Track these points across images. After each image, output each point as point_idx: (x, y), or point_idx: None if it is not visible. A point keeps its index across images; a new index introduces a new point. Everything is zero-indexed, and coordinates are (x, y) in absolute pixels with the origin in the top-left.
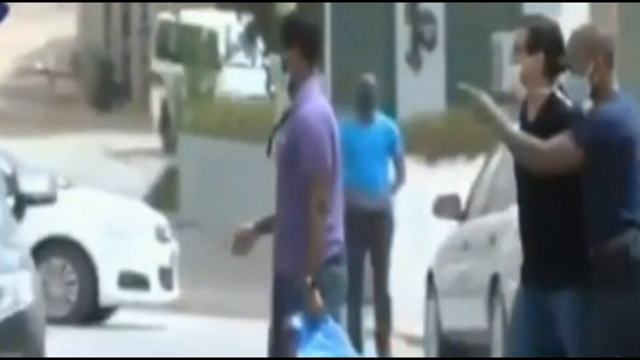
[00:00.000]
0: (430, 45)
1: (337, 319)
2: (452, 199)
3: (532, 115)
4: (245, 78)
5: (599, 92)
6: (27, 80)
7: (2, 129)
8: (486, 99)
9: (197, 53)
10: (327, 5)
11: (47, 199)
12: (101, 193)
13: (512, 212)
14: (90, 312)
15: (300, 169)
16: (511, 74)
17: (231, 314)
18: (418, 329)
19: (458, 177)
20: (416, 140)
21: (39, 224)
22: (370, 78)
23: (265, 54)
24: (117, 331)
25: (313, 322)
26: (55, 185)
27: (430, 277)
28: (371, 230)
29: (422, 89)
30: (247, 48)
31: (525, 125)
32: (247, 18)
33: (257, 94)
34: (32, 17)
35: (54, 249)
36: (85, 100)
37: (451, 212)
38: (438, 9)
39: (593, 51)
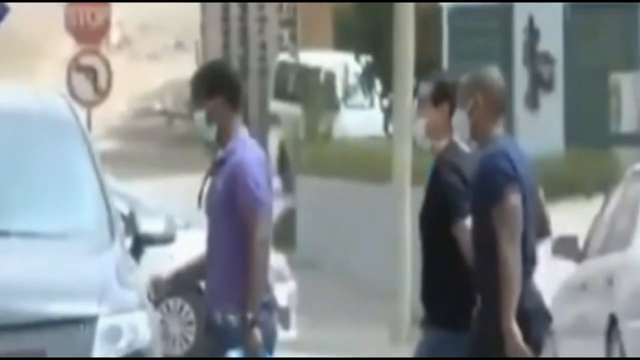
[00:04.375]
0: (549, 85)
1: None
2: (571, 240)
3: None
4: (363, 119)
5: (477, 133)
6: (145, 121)
7: (120, 170)
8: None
9: (315, 94)
10: (445, 46)
11: (166, 240)
12: None
13: (631, 253)
14: None
15: (238, 212)
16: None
17: (348, 353)
18: None
19: (577, 217)
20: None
21: (157, 264)
22: None
23: (384, 94)
24: None
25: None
26: (173, 226)
27: None
28: None
29: (540, 130)
30: (365, 89)
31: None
32: (365, 59)
33: (375, 135)
34: (150, 58)
35: (172, 289)
36: (203, 141)
37: (570, 253)
38: (556, 50)
39: (473, 90)
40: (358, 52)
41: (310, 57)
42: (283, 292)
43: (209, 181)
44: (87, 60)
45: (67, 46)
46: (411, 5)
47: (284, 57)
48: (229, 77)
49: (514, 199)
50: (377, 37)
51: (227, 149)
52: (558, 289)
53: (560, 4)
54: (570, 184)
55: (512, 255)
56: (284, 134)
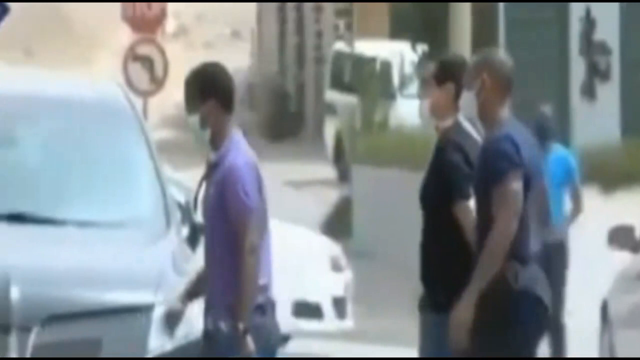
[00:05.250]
0: (605, 75)
1: None
2: (627, 230)
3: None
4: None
5: (484, 114)
6: None
7: (175, 159)
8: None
9: (371, 83)
10: (501, 37)
11: None
12: (275, 222)
13: None
14: None
15: (229, 218)
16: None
17: (404, 343)
18: None
19: (633, 207)
20: (591, 170)
21: None
22: (548, 109)
23: None
24: None
25: None
26: None
27: (604, 308)
28: (546, 262)
29: (596, 119)
30: (422, 78)
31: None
32: (421, 48)
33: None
34: (205, 46)
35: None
36: (259, 130)
37: (626, 243)
38: (613, 40)
39: (480, 70)
40: (414, 41)
41: (366, 46)
42: (339, 282)
43: (204, 185)
44: (143, 50)
45: (124, 36)
46: None
47: (339, 46)
48: (221, 80)
49: (515, 185)
50: (433, 26)
51: (220, 152)
52: (615, 279)
53: None
54: (627, 174)
55: (500, 237)
56: (340, 124)
